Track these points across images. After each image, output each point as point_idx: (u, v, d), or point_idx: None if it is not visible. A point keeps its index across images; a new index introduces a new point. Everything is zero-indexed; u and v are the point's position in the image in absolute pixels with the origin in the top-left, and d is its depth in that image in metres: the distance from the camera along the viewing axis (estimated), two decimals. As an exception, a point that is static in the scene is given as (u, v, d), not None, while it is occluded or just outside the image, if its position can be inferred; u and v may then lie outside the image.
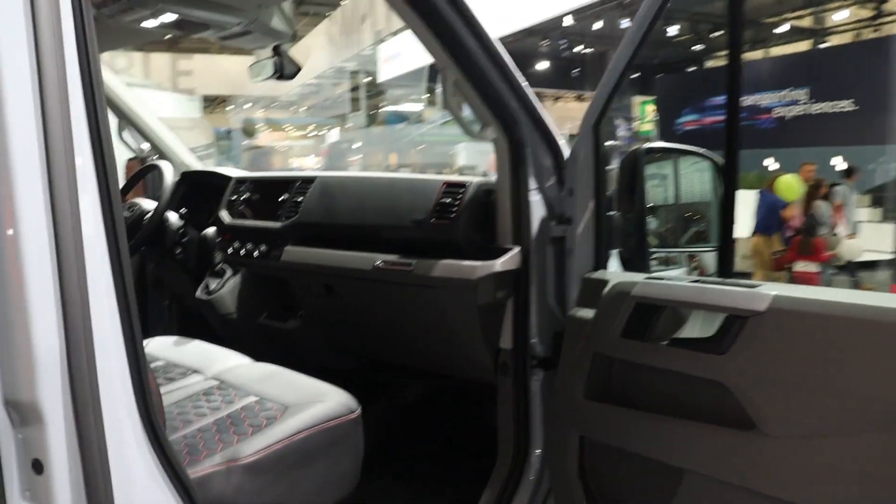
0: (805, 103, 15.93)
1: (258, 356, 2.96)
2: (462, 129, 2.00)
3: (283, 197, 2.63)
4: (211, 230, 2.73)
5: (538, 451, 2.09)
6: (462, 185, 2.16)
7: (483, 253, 2.06)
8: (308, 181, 2.59)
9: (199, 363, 2.21)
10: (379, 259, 2.22)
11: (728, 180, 1.79)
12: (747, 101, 16.35)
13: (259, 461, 1.62)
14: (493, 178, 2.13)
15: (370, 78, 19.64)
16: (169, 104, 14.22)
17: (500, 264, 2.00)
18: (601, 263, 2.02)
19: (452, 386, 2.78)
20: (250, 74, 2.45)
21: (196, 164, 3.36)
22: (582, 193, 1.98)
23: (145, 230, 2.72)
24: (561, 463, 1.88)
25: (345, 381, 2.98)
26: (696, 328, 1.62)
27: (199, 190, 3.19)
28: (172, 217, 2.88)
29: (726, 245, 1.95)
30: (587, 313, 1.86)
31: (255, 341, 2.85)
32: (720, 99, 16.74)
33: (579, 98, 23.07)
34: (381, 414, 2.83)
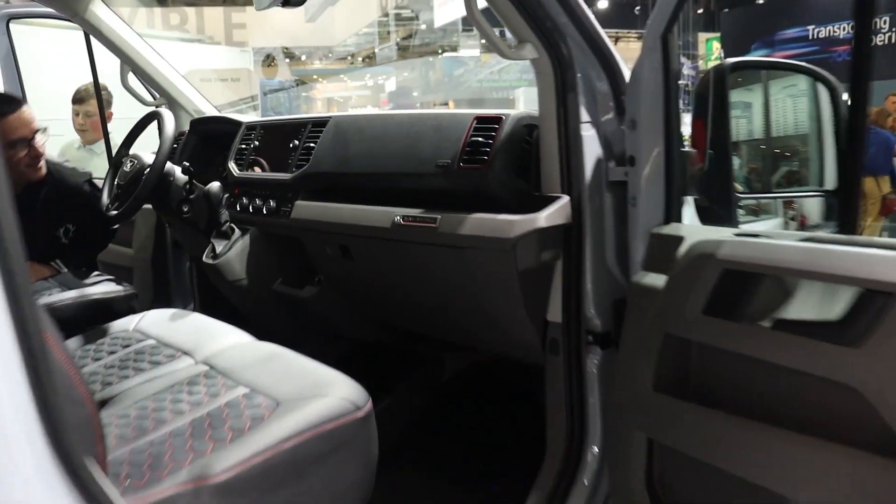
0: (888, 32, 14.72)
1: (274, 327, 2.64)
2: (492, 46, 1.57)
3: (293, 143, 2.25)
4: (215, 185, 2.38)
5: (596, 448, 1.69)
6: (496, 118, 1.73)
7: (524, 204, 1.65)
8: (320, 124, 2.20)
9: (193, 343, 1.87)
10: (398, 214, 1.82)
11: (855, 106, 1.32)
12: (821, 32, 15.26)
13: (234, 479, 1.26)
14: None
15: (425, 25, 19.04)
16: (220, 56, 13.99)
17: (544, 218, 1.59)
18: (673, 215, 1.59)
19: (494, 363, 2.39)
20: (255, 5, 2.06)
21: (210, 112, 3.00)
22: (648, 125, 1.54)
23: (143, 187, 2.38)
24: (623, 468, 1.48)
25: (369, 354, 2.71)
26: (811, 306, 1.18)
27: (211, 140, 2.83)
28: (176, 171, 2.54)
29: (850, 190, 1.48)
30: (656, 280, 1.44)
31: (270, 310, 2.51)
32: (792, 31, 15.64)
33: (641, 38, 21.98)
34: (408, 395, 2.46)
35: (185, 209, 2.61)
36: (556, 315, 1.73)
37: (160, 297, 3.33)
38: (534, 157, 1.72)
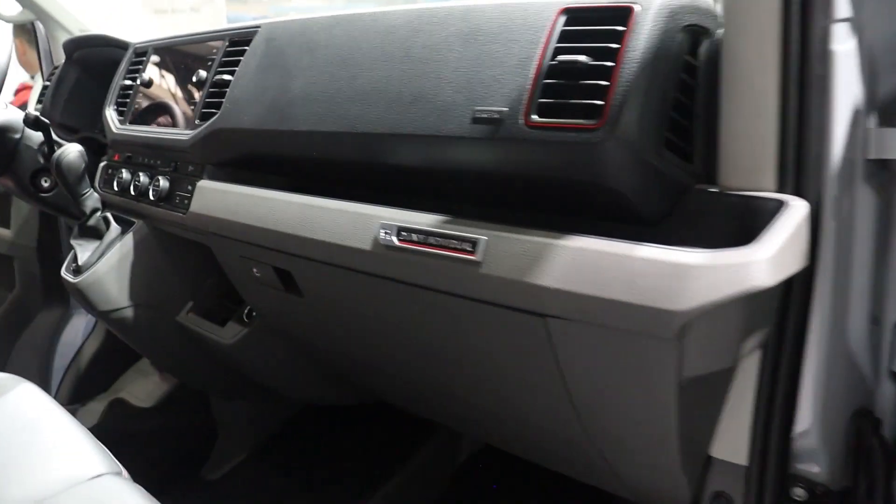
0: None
1: (189, 374, 1.68)
2: None
3: (197, 77, 1.25)
4: (71, 148, 1.38)
5: None
6: (620, 11, 0.74)
7: (672, 209, 0.74)
8: (241, 40, 1.20)
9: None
10: (388, 223, 0.85)
11: None
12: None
13: None
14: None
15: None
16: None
17: (770, 263, 0.63)
18: None
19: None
20: None
21: (92, 28, 1.98)
22: None
23: None
24: None
25: (338, 418, 1.81)
26: None
27: (102, 76, 1.82)
28: (20, 124, 1.55)
29: None
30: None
31: (176, 351, 1.54)
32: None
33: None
34: (409, 483, 1.52)
35: (45, 184, 1.62)
36: (734, 450, 0.79)
37: (54, 299, 2.37)
38: (701, 102, 0.76)
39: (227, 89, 1.15)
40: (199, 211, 1.17)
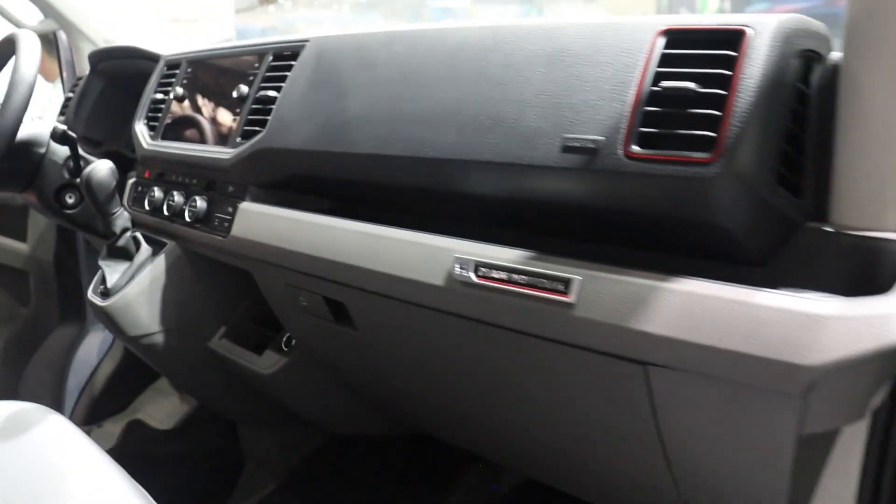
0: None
1: (216, 400, 1.60)
2: None
3: (238, 92, 1.19)
4: (101, 166, 1.31)
5: None
6: (731, 34, 0.68)
7: (776, 248, 0.69)
8: (287, 54, 1.14)
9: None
10: (464, 257, 0.79)
11: None
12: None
13: None
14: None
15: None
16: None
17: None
18: None
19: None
20: None
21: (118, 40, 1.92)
22: None
23: None
24: None
25: (368, 450, 1.71)
26: None
27: (127, 88, 1.77)
28: (42, 132, 1.49)
29: None
30: None
31: (207, 378, 1.47)
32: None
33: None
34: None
35: (70, 200, 1.56)
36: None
37: (70, 316, 2.31)
38: (813, 133, 0.69)
39: (273, 106, 1.09)
40: (242, 235, 1.10)
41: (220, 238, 1.15)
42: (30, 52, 1.36)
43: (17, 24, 1.96)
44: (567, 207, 0.76)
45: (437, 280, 0.81)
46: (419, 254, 0.83)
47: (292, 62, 1.11)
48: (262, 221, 1.08)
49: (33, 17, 1.95)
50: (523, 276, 0.73)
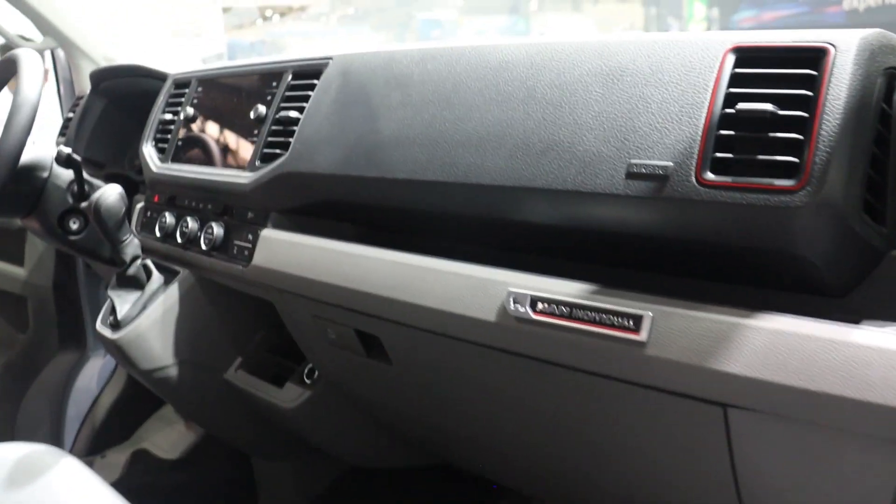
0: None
1: (230, 430, 1.54)
2: None
3: (256, 112, 1.13)
4: (110, 191, 1.26)
5: None
6: (812, 53, 0.63)
7: (872, 281, 0.65)
8: (309, 73, 1.08)
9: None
10: (520, 291, 0.73)
11: None
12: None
13: None
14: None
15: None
16: (186, 14, 12.54)
17: None
18: None
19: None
20: None
21: (121, 59, 1.87)
22: None
23: None
24: None
25: (389, 484, 1.60)
26: None
27: (130, 108, 1.71)
28: (49, 160, 1.43)
29: None
30: None
31: (222, 409, 1.41)
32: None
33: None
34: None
35: (74, 226, 1.50)
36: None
37: (69, 343, 2.24)
38: (895, 156, 0.65)
39: (296, 128, 1.04)
40: (265, 265, 1.05)
41: (240, 267, 1.09)
42: (32, 72, 1.30)
43: (15, 43, 1.90)
44: (630, 237, 0.71)
45: (489, 315, 0.75)
46: (467, 286, 0.78)
47: (314, 81, 1.06)
48: (285, 250, 1.02)
49: (31, 35, 1.90)
50: (587, 312, 0.68)
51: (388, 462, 1.40)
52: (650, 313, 0.65)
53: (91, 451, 2.08)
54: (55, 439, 2.35)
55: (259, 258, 1.06)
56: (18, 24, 1.91)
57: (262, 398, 1.24)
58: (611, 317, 0.66)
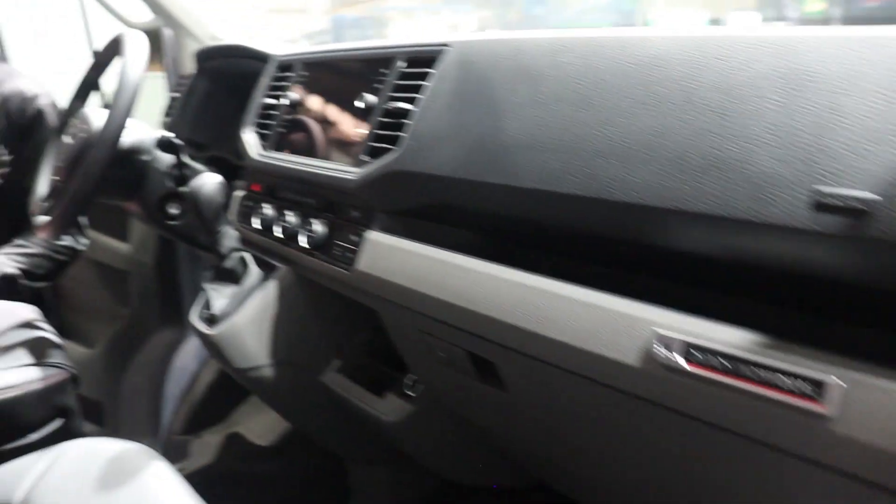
0: None
1: (326, 434, 1.47)
2: None
3: (364, 102, 1.04)
4: (208, 180, 1.19)
5: None
6: None
7: None
8: (423, 59, 0.98)
9: None
10: (676, 334, 0.61)
11: None
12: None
13: None
14: None
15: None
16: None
17: None
18: None
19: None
20: None
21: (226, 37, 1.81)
22: None
23: (84, 178, 1.23)
24: None
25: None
26: None
27: (233, 88, 1.66)
28: (146, 139, 1.39)
29: None
30: None
31: (317, 413, 1.34)
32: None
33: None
34: None
35: (174, 211, 1.45)
36: None
37: (169, 321, 2.24)
38: None
39: (408, 121, 0.94)
40: (370, 271, 0.96)
41: (343, 271, 1.01)
42: (136, 54, 1.25)
43: (126, 23, 1.88)
44: (809, 279, 0.58)
45: (629, 359, 0.64)
46: (605, 322, 0.66)
47: (429, 69, 0.95)
48: (394, 257, 0.93)
49: (141, 14, 1.87)
50: (755, 370, 0.56)
51: (486, 480, 1.30)
52: (842, 384, 0.51)
53: (188, 430, 2.08)
54: (154, 415, 2.38)
55: (363, 263, 0.97)
56: (127, 4, 1.88)
57: (359, 406, 1.16)
58: (784, 379, 0.54)
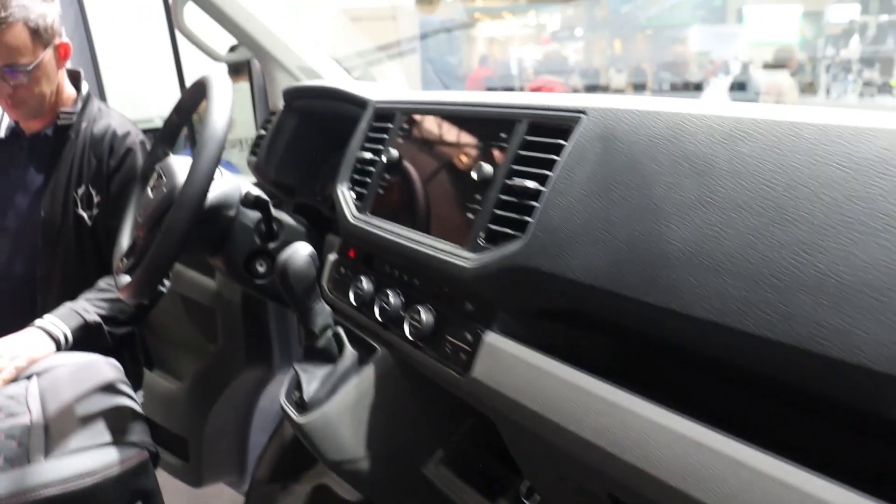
0: None
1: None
2: None
3: (482, 173, 0.89)
4: (302, 251, 1.07)
5: None
6: None
7: None
8: (556, 127, 0.82)
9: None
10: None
11: None
12: None
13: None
14: None
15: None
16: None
17: None
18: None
19: None
20: None
21: (326, 73, 1.69)
22: None
23: (165, 238, 1.12)
24: None
25: None
26: None
27: (325, 127, 1.54)
28: (232, 193, 1.27)
29: None
30: None
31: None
32: None
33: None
34: None
35: (261, 269, 1.34)
36: None
37: (255, 360, 2.16)
38: None
39: (535, 203, 0.78)
40: (488, 382, 0.81)
41: (456, 375, 0.86)
42: (221, 101, 1.14)
43: (210, 55, 1.79)
44: None
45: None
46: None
47: (561, 141, 0.79)
48: (518, 369, 0.77)
49: (225, 43, 1.78)
50: None
51: None
52: None
53: (273, 476, 2.00)
54: (240, 454, 2.30)
55: (480, 370, 0.82)
56: (211, 36, 1.79)
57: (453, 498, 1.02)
58: None
